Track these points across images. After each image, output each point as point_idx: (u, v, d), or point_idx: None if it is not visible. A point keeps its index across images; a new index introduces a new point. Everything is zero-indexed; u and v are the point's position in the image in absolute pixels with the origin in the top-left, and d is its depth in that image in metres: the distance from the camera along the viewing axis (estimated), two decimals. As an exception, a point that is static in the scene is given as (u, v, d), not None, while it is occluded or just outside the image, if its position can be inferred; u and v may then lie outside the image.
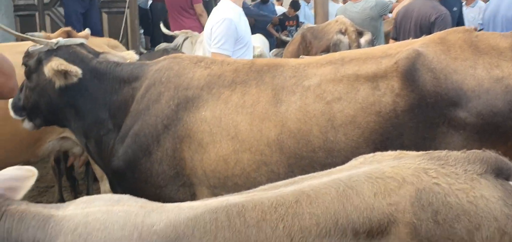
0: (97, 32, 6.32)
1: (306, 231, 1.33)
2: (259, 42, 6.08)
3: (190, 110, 2.35)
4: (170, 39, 6.90)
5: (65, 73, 2.51)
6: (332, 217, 1.33)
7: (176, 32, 6.43)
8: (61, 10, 7.44)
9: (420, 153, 1.50)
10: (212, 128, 2.29)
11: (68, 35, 2.82)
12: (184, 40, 6.10)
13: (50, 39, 2.74)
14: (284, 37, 7.88)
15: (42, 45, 2.69)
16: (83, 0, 7.02)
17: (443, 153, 1.47)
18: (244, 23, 3.43)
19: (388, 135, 2.08)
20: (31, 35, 2.79)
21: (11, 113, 2.81)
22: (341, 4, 8.10)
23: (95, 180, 4.94)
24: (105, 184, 4.14)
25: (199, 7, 7.26)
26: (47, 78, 2.60)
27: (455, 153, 1.46)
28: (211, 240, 1.35)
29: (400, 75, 2.10)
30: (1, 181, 1.61)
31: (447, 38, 2.21)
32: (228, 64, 2.49)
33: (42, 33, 2.90)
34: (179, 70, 2.47)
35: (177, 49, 5.92)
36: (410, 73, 2.08)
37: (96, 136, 2.64)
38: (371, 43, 4.81)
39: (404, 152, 1.57)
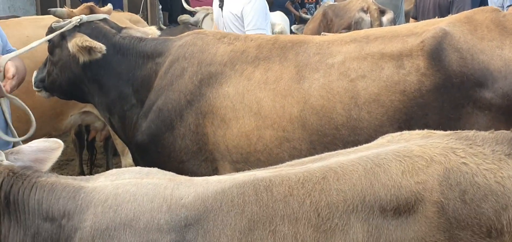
0: (118, 7, 6.36)
1: (333, 207, 1.33)
2: (280, 19, 6.07)
3: (213, 86, 2.36)
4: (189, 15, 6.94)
5: (89, 49, 2.53)
6: (359, 194, 1.33)
7: (196, 8, 6.46)
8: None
9: (448, 132, 1.51)
10: (235, 103, 2.30)
11: (91, 11, 2.83)
12: (205, 16, 6.13)
13: (74, 15, 2.74)
14: (303, 15, 7.83)
15: (64, 22, 2.69)
16: None
17: (471, 133, 1.47)
18: None
19: (413, 115, 2.08)
20: (54, 11, 2.81)
21: (34, 87, 2.87)
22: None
23: (115, 154, 5.04)
24: (126, 158, 4.19)
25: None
26: (70, 54, 2.62)
27: (483, 133, 1.46)
28: (238, 213, 1.35)
29: (426, 55, 2.09)
30: (29, 153, 1.65)
31: (474, 18, 2.19)
32: (251, 40, 2.49)
33: (65, 9, 2.90)
34: (203, 46, 2.48)
35: (197, 25, 5.95)
36: (436, 53, 2.07)
37: (120, 111, 2.67)
38: (393, 21, 4.79)
39: (432, 131, 1.57)
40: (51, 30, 2.78)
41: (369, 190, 1.33)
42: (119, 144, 4.09)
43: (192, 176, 1.64)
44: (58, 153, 1.67)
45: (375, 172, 1.36)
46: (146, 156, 2.56)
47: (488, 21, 2.15)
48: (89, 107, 3.79)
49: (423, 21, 2.47)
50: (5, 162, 1.51)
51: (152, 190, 1.43)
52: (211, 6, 6.29)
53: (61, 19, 2.75)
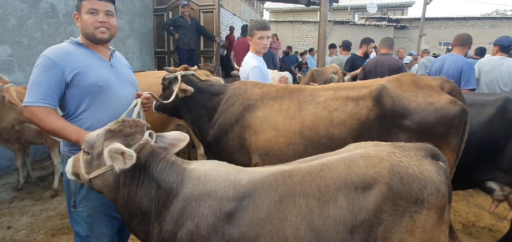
0: (195, 64, 6.74)
1: (328, 187, 1.38)
2: (274, 73, 6.30)
3: (250, 112, 2.51)
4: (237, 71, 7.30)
5: (185, 90, 2.80)
6: (343, 179, 1.39)
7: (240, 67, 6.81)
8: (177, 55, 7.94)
9: (388, 143, 1.56)
10: (262, 122, 2.44)
11: (186, 69, 3.06)
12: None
13: (176, 71, 2.97)
14: (299, 74, 8.13)
15: (171, 75, 2.94)
16: (188, 51, 7.56)
17: (402, 143, 1.53)
18: (264, 67, 3.27)
19: (363, 132, 2.17)
20: (166, 68, 3.03)
21: (154, 109, 2.98)
22: (334, 56, 8.22)
23: (193, 146, 5.16)
24: (200, 149, 4.36)
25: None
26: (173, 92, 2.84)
27: (408, 144, 1.52)
28: (273, 191, 1.40)
29: (372, 99, 2.20)
30: (168, 139, 1.74)
31: (401, 79, 2.28)
32: (272, 87, 2.64)
33: (172, 67, 3.14)
34: (245, 89, 2.65)
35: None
36: (378, 98, 2.18)
37: (198, 123, 2.85)
38: (351, 79, 5.11)
39: (379, 142, 1.61)
40: (164, 79, 3.03)
41: (348, 177, 1.39)
42: (195, 140, 4.23)
43: (237, 163, 1.69)
44: (184, 143, 1.73)
45: (351, 166, 1.42)
46: (212, 150, 2.73)
47: (409, 81, 2.26)
48: (181, 122, 4.07)
49: (372, 79, 2.59)
50: (152, 142, 1.60)
51: (225, 173, 1.49)
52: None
53: (169, 73, 3.00)
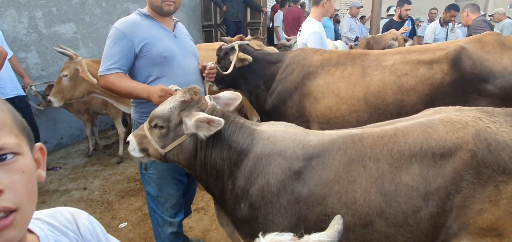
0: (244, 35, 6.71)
1: (401, 153, 1.30)
2: (339, 44, 6.06)
3: (310, 79, 2.43)
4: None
5: (243, 60, 2.73)
6: (418, 145, 1.29)
7: (290, 37, 6.69)
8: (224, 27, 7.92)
9: (473, 107, 1.41)
10: (323, 89, 2.35)
11: (241, 39, 3.07)
12: (295, 42, 6.32)
13: (232, 41, 2.94)
14: (352, 44, 7.64)
15: (228, 45, 2.91)
16: (235, 23, 7.48)
17: (490, 108, 1.37)
18: (323, 33, 3.27)
19: (436, 98, 2.02)
20: (223, 39, 3.06)
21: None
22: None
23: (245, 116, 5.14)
24: (253, 119, 4.24)
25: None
26: (231, 62, 2.81)
27: (497, 109, 1.37)
28: (342, 153, 1.36)
29: (449, 61, 2.02)
30: (223, 99, 1.75)
31: (483, 39, 2.07)
32: (333, 53, 2.51)
33: (228, 38, 3.14)
34: (305, 56, 2.56)
35: (291, 47, 6.20)
36: (456, 60, 2.00)
37: (256, 92, 2.81)
38: (411, 45, 4.57)
39: (462, 107, 1.46)
40: (220, 49, 2.97)
41: (425, 142, 1.29)
42: (249, 110, 4.17)
43: None
44: (238, 101, 1.76)
45: (428, 131, 1.31)
46: (269, 118, 2.65)
47: (493, 40, 2.03)
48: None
49: (446, 41, 2.36)
50: (210, 102, 1.59)
51: (293, 134, 1.47)
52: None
53: (225, 43, 2.98)
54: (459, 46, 2.04)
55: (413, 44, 4.67)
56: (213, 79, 2.27)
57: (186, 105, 1.54)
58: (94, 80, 3.26)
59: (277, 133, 1.49)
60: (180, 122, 1.53)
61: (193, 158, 1.58)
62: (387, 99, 2.14)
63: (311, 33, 3.11)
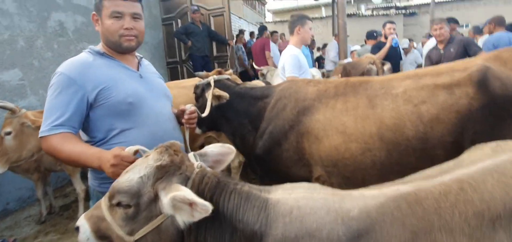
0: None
1: (480, 216, 0.96)
2: (315, 72, 5.94)
3: (307, 115, 2.11)
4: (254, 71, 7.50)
5: (219, 97, 2.38)
6: (499, 202, 0.96)
7: (262, 68, 6.52)
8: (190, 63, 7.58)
9: None
10: (325, 126, 2.02)
11: (220, 72, 2.74)
12: (267, 72, 6.13)
13: (208, 76, 2.62)
14: (323, 71, 7.58)
15: (204, 81, 2.57)
16: (201, 57, 7.20)
17: None
18: (303, 58, 3.25)
19: (465, 127, 1.74)
20: (198, 74, 2.71)
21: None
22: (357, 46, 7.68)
23: None
24: (234, 162, 3.73)
25: (268, 54, 7.77)
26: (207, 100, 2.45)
27: None
28: (400, 226, 0.98)
29: (474, 84, 1.76)
30: (212, 155, 1.33)
31: (501, 56, 1.86)
32: (329, 83, 2.22)
33: (204, 73, 2.80)
34: (297, 88, 2.25)
35: (264, 75, 6.03)
36: (482, 82, 1.74)
37: (240, 133, 2.45)
38: (390, 70, 4.39)
39: None
40: (197, 87, 2.62)
41: (507, 197, 0.96)
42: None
43: (295, 180, 1.28)
44: (231, 157, 1.35)
45: (504, 180, 0.99)
46: (263, 164, 2.32)
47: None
48: (211, 133, 3.54)
49: (458, 61, 2.10)
50: (197, 164, 1.18)
51: (324, 203, 1.07)
52: (267, 65, 6.80)
53: (202, 79, 2.64)
54: (483, 65, 1.80)
55: (390, 70, 4.52)
56: (194, 125, 1.86)
57: (163, 173, 1.11)
58: None
59: (301, 202, 1.08)
60: (155, 197, 1.09)
61: None
62: (407, 133, 1.83)
63: (289, 55, 3.09)
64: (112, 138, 1.55)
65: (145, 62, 1.88)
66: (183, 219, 1.04)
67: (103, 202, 1.16)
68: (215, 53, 7.87)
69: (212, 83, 2.46)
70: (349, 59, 6.47)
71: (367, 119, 1.93)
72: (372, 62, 4.50)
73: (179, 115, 1.83)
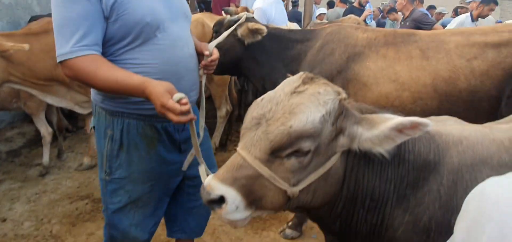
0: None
1: None
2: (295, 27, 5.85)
3: (357, 62, 2.05)
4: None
5: (254, 32, 2.18)
6: None
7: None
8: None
9: None
10: (375, 74, 2.00)
11: (247, 10, 2.50)
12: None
13: (237, 12, 2.36)
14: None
15: (233, 17, 2.30)
16: None
17: None
18: (275, 10, 3.14)
19: (508, 83, 1.86)
20: (227, 10, 2.42)
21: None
22: (330, 10, 7.71)
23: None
24: (221, 111, 3.63)
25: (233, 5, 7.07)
26: (236, 39, 2.24)
27: None
28: None
29: None
30: None
31: None
32: (378, 31, 2.17)
33: (233, 8, 2.51)
34: (346, 34, 2.15)
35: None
36: None
37: (271, 78, 2.23)
38: None
39: None
40: (220, 24, 2.34)
41: None
42: (218, 101, 3.54)
43: None
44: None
45: None
46: None
47: None
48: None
49: (501, 23, 2.24)
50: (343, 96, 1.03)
51: (484, 135, 1.08)
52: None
53: (228, 16, 2.35)
54: None
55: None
56: (212, 72, 1.63)
57: (342, 107, 0.98)
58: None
59: (465, 133, 1.08)
60: (336, 136, 0.97)
61: (339, 188, 1.03)
62: (460, 86, 1.91)
63: (255, 8, 3.05)
64: (120, 55, 1.31)
65: None
66: (385, 148, 0.94)
67: (255, 157, 0.92)
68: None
69: (244, 20, 2.24)
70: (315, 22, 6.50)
71: (422, 70, 1.96)
72: (357, 23, 4.63)
73: (197, 52, 1.57)
